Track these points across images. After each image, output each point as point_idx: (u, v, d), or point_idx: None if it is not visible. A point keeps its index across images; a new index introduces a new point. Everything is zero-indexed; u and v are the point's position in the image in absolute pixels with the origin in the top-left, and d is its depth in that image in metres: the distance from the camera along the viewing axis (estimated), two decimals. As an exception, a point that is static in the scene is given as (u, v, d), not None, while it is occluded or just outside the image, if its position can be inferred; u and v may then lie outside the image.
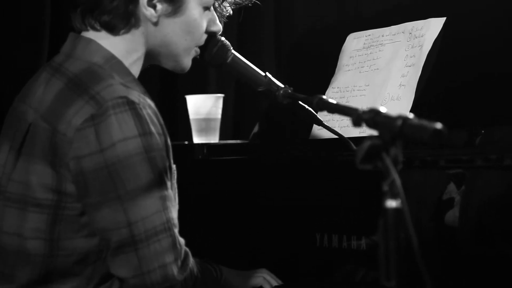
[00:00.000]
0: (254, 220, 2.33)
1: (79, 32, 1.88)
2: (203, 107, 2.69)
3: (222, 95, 2.76)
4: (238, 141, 2.96)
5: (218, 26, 1.96)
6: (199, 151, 2.45)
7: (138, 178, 1.71)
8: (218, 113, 2.71)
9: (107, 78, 1.76)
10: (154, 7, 1.84)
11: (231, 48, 2.05)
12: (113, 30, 1.84)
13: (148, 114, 1.73)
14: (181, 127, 3.18)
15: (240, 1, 2.02)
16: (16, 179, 1.80)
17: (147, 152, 1.71)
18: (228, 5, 2.00)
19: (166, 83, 3.35)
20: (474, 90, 2.12)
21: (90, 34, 1.85)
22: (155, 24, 1.85)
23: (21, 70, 3.01)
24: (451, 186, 1.93)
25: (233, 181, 2.40)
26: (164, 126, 1.77)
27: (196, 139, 2.70)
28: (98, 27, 1.84)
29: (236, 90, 3.64)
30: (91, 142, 1.70)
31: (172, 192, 1.79)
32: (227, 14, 2.00)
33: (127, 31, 1.84)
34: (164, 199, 1.74)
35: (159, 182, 1.73)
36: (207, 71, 3.50)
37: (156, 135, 1.73)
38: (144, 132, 1.71)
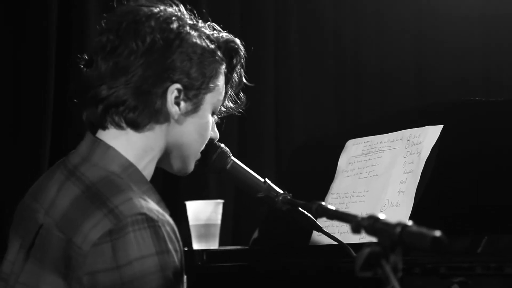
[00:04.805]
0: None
1: (94, 126, 1.84)
2: (203, 213, 2.70)
3: (222, 200, 2.76)
4: (238, 247, 2.95)
5: (217, 133, 1.98)
6: (198, 257, 2.43)
7: None
8: (218, 218, 2.71)
9: (126, 190, 1.74)
10: (178, 104, 1.84)
11: (231, 154, 2.07)
12: (138, 127, 1.82)
13: (166, 231, 1.71)
14: (180, 233, 3.17)
15: (230, 111, 2.04)
16: (23, 282, 1.78)
17: (163, 271, 1.69)
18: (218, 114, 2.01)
19: (166, 189, 3.36)
20: (473, 197, 2.13)
21: (109, 133, 1.82)
22: (176, 122, 1.84)
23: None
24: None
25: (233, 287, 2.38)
26: (180, 241, 1.76)
27: (196, 245, 2.68)
28: (123, 125, 1.81)
29: (236, 196, 3.65)
30: (107, 258, 1.67)
31: None
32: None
33: (150, 128, 1.83)
34: None
35: None
36: (207, 176, 3.52)
37: (173, 252, 1.72)
38: (162, 250, 1.69)
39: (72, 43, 3.19)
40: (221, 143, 2.04)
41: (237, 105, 2.03)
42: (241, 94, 2.03)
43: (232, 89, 1.98)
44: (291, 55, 3.93)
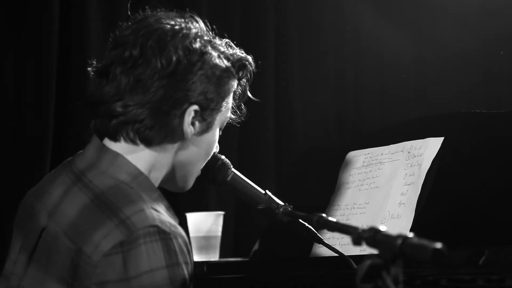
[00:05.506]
0: None
1: (101, 134, 1.83)
2: (204, 224, 2.69)
3: (223, 212, 2.76)
4: (239, 259, 2.94)
5: (217, 147, 1.99)
6: (199, 269, 2.42)
7: None
8: (218, 230, 2.71)
9: (137, 200, 1.74)
10: (193, 125, 1.84)
11: (231, 166, 2.07)
12: (151, 144, 1.82)
13: (178, 244, 1.71)
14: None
15: (230, 121, 2.04)
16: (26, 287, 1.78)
17: (172, 283, 1.70)
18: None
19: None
20: (474, 209, 2.13)
21: (119, 146, 1.82)
22: (188, 141, 1.85)
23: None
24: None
25: (233, 300, 2.37)
26: (191, 253, 1.76)
27: (196, 257, 2.68)
28: (137, 141, 1.81)
29: (237, 208, 3.65)
30: (117, 269, 1.67)
31: None
32: None
33: (161, 145, 1.83)
34: None
35: None
36: (207, 188, 3.51)
37: (183, 265, 1.72)
38: (172, 263, 1.70)
39: (72, 43, 3.19)
40: (221, 154, 2.05)
41: (237, 116, 2.03)
42: (242, 105, 2.03)
43: (235, 101, 1.98)
44: (292, 63, 3.93)
